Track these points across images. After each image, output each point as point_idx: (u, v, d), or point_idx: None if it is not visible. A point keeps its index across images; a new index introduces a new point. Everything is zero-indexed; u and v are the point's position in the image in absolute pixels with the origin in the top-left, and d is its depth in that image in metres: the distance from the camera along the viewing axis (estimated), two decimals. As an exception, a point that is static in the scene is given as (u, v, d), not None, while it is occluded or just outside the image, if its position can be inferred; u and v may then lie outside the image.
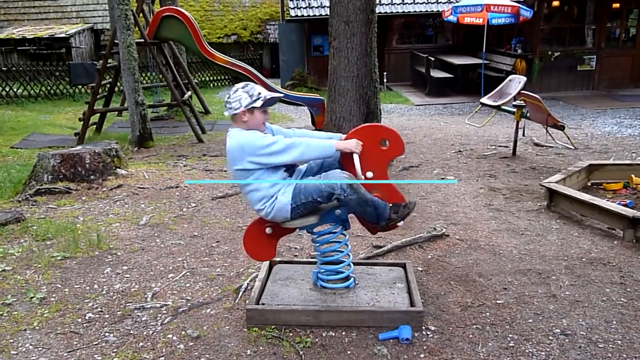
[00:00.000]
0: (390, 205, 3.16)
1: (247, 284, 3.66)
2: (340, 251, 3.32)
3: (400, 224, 3.22)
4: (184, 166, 7.16)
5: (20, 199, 5.49)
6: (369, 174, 3.13)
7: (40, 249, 4.27)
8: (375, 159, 3.16)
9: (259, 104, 3.02)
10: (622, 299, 3.43)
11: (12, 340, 3.06)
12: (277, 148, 2.95)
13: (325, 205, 3.14)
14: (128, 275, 3.87)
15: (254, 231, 3.27)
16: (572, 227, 4.70)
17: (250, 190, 3.05)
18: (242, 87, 3.07)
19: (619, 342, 2.98)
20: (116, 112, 12.37)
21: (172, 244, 4.45)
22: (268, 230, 3.24)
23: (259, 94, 3.03)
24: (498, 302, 3.42)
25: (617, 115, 10.90)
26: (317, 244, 3.32)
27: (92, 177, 5.87)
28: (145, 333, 3.13)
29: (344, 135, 3.19)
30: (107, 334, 3.13)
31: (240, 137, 2.99)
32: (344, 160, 3.17)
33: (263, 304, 3.20)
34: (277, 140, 2.98)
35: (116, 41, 9.15)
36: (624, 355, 2.85)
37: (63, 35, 17.92)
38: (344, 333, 3.07)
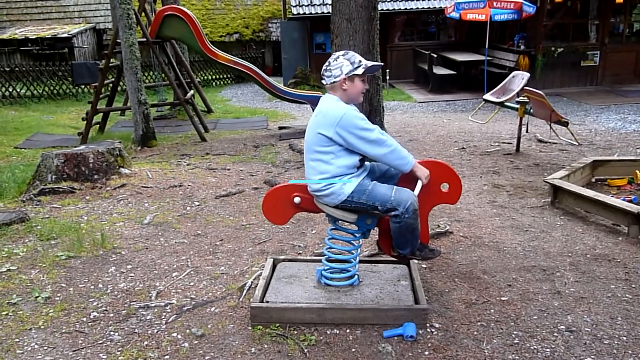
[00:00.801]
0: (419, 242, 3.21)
1: (251, 282, 3.67)
2: (350, 253, 3.33)
3: (415, 261, 3.27)
4: (187, 165, 7.16)
5: (24, 199, 5.50)
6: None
7: (44, 249, 4.28)
8: (429, 196, 3.21)
9: (360, 71, 2.98)
10: (627, 295, 3.42)
11: (17, 340, 3.07)
12: (371, 136, 2.92)
13: (374, 213, 3.11)
14: (132, 274, 3.88)
15: (279, 194, 3.23)
16: (577, 224, 4.69)
17: (318, 159, 3.00)
18: (343, 55, 3.02)
19: (624, 338, 2.97)
20: (119, 112, 12.38)
21: (176, 242, 4.46)
22: (297, 200, 3.19)
23: (360, 61, 3.00)
24: (502, 299, 3.42)
25: (621, 111, 10.86)
26: (330, 237, 3.31)
27: (95, 176, 5.88)
28: (149, 332, 3.14)
29: (417, 159, 3.18)
30: (112, 333, 3.14)
31: (342, 107, 2.95)
32: (405, 181, 3.16)
33: (267, 302, 3.20)
34: (375, 129, 2.95)
35: (118, 41, 9.16)
36: (630, 352, 2.84)
37: (65, 35, 17.94)
38: (348, 331, 3.07)
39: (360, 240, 3.36)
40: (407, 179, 3.16)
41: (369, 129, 2.94)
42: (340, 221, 3.25)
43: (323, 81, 3.09)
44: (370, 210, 3.04)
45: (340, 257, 3.35)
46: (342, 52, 3.08)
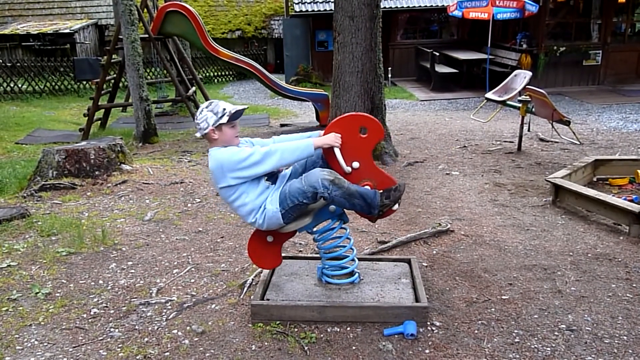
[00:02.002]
0: (381, 191, 3.11)
1: (252, 279, 3.66)
2: (342, 246, 3.31)
3: (396, 207, 3.15)
4: (189, 162, 7.16)
5: (25, 195, 5.51)
6: (355, 165, 3.08)
7: (45, 245, 4.28)
8: (358, 149, 3.09)
9: (225, 119, 3.00)
10: (627, 295, 3.42)
11: (17, 336, 3.08)
12: (255, 159, 2.93)
13: (315, 205, 3.12)
14: (133, 271, 3.88)
15: (256, 242, 3.27)
16: (578, 223, 4.68)
17: (239, 206, 3.04)
18: (207, 107, 3.05)
19: (625, 337, 2.96)
20: (121, 108, 12.39)
21: (176, 239, 4.46)
22: (269, 238, 3.24)
23: (224, 109, 3.02)
24: (503, 297, 3.41)
25: (622, 111, 10.84)
26: (319, 242, 3.31)
27: (96, 172, 5.88)
28: (150, 328, 3.14)
29: (323, 131, 3.15)
30: (112, 329, 3.14)
31: (218, 156, 2.98)
32: (327, 157, 3.12)
33: (268, 300, 3.20)
34: (254, 151, 2.96)
35: (120, 37, 9.15)
36: (630, 351, 2.84)
37: (67, 30, 17.94)
38: (348, 328, 3.07)
39: (347, 229, 3.34)
40: (328, 154, 3.10)
41: (249, 154, 2.94)
42: (315, 225, 3.23)
43: (196, 134, 3.13)
44: (303, 206, 3.02)
45: (336, 254, 3.32)
46: (207, 103, 3.09)
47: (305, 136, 3.21)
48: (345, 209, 3.21)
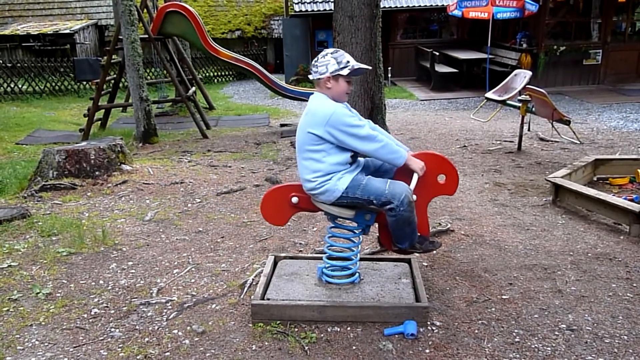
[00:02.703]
0: (419, 234, 3.20)
1: (252, 279, 3.67)
2: (350, 250, 3.33)
3: (416, 255, 3.26)
4: (189, 162, 7.16)
5: (25, 195, 5.51)
6: (413, 197, 3.12)
7: (45, 245, 4.28)
8: (426, 188, 3.21)
9: (345, 72, 2.97)
10: (628, 294, 3.42)
11: (18, 336, 3.08)
12: (361, 132, 2.92)
13: (370, 208, 3.11)
14: (133, 271, 3.88)
15: (276, 195, 3.25)
16: (578, 222, 4.68)
17: (310, 158, 3.00)
18: (331, 53, 3.01)
19: (625, 337, 2.96)
20: (121, 108, 12.39)
21: (177, 239, 4.46)
22: (294, 199, 3.21)
23: (347, 62, 2.99)
24: (503, 297, 3.41)
25: (623, 110, 10.84)
26: (330, 235, 3.31)
27: (97, 173, 5.88)
28: (150, 328, 3.14)
29: (411, 152, 3.17)
30: (112, 329, 3.14)
31: (330, 105, 2.95)
32: (401, 175, 3.16)
33: (268, 299, 3.20)
34: (364, 125, 2.96)
35: (120, 37, 9.15)
36: (630, 351, 2.84)
37: (67, 31, 17.94)
38: (349, 328, 3.07)
39: (361, 237, 3.36)
40: (403, 173, 3.15)
41: (359, 126, 2.94)
42: (339, 218, 3.25)
43: (310, 76, 3.10)
44: (366, 205, 3.05)
45: (341, 254, 3.35)
46: (332, 49, 3.07)
47: (396, 142, 3.17)
48: (381, 225, 3.25)
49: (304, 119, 3.06)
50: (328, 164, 2.99)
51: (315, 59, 3.06)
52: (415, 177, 3.09)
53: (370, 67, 3.13)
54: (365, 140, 2.94)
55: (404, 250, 3.26)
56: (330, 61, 2.98)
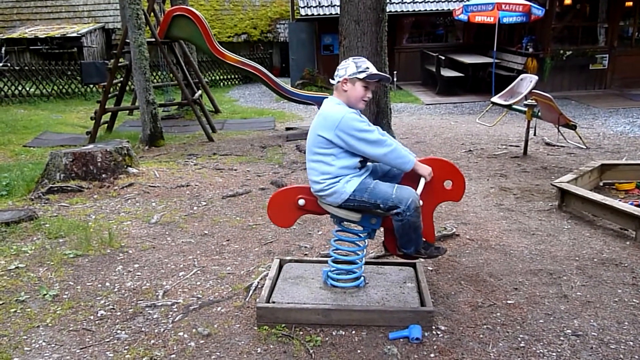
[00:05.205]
0: (424, 241, 3.22)
1: (258, 282, 3.68)
2: (356, 254, 3.34)
3: (422, 261, 3.27)
4: (195, 165, 7.19)
5: (33, 197, 5.54)
6: (420, 202, 3.13)
7: (52, 247, 4.31)
8: (432, 194, 3.22)
9: (362, 75, 3.01)
10: (634, 300, 3.41)
11: (25, 337, 3.10)
12: (370, 137, 2.95)
13: (377, 212, 3.13)
14: (139, 273, 3.90)
15: (283, 197, 3.27)
16: (584, 228, 4.67)
17: (319, 161, 3.04)
18: (353, 58, 3.09)
19: (631, 343, 2.96)
20: (127, 111, 12.44)
21: (182, 242, 4.48)
22: (301, 202, 3.24)
23: (367, 68, 3.04)
24: (509, 302, 3.41)
25: (629, 115, 10.81)
26: (336, 239, 3.32)
27: (103, 175, 5.91)
28: (156, 330, 3.16)
29: (418, 158, 3.19)
30: (118, 331, 3.16)
31: (341, 109, 3.00)
32: (408, 179, 3.17)
33: (273, 303, 3.21)
34: (374, 130, 2.99)
35: (127, 40, 9.20)
36: (636, 357, 2.83)
37: (75, 34, 18.04)
38: (354, 332, 3.08)
39: (366, 241, 3.36)
40: (410, 178, 3.16)
41: (369, 130, 2.97)
42: (345, 222, 3.26)
43: (331, 80, 3.15)
44: (373, 208, 3.06)
45: (347, 258, 3.36)
46: (356, 57, 3.15)
47: (407, 150, 3.20)
48: (387, 229, 3.27)
49: (316, 120, 3.10)
50: (337, 167, 3.02)
51: (339, 65, 3.14)
52: (422, 182, 3.11)
53: (389, 76, 3.15)
54: (374, 144, 2.97)
55: (409, 256, 3.27)
56: (350, 65, 3.04)
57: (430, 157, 3.27)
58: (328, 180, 3.04)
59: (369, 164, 3.25)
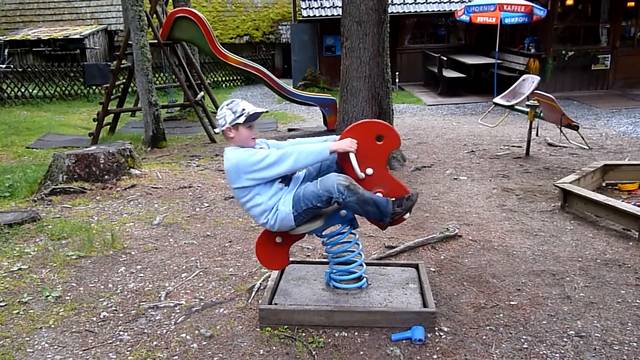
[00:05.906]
0: (393, 199, 3.12)
1: (260, 283, 3.68)
2: (351, 251, 3.33)
3: (407, 216, 3.17)
4: (197, 166, 7.20)
5: (35, 199, 5.55)
6: (369, 171, 3.09)
7: (55, 248, 4.31)
8: (373, 155, 3.11)
9: (241, 120, 3.02)
10: (637, 301, 3.40)
11: (28, 338, 3.10)
12: (271, 160, 2.95)
13: (327, 209, 3.13)
14: (142, 275, 3.90)
15: (264, 242, 3.29)
16: (587, 228, 4.66)
17: (252, 207, 3.07)
18: (227, 105, 3.09)
19: (635, 344, 2.95)
20: (130, 113, 12.47)
21: (185, 243, 4.48)
22: (278, 239, 3.26)
23: (243, 110, 3.04)
24: (512, 303, 3.40)
25: (632, 115, 10.78)
26: (328, 246, 3.32)
27: (106, 177, 5.92)
28: (159, 332, 3.16)
29: (339, 136, 3.15)
30: (121, 333, 3.16)
31: (233, 156, 3.01)
32: (341, 162, 3.13)
33: (276, 304, 3.21)
34: (269, 153, 2.99)
35: (130, 42, 9.23)
36: (640, 358, 2.83)
37: (77, 36, 18.10)
38: (356, 333, 3.08)
39: (356, 235, 3.34)
40: (342, 159, 3.11)
41: (265, 156, 2.96)
42: (325, 228, 3.24)
43: (215, 130, 3.15)
44: (317, 210, 3.04)
45: (344, 258, 3.33)
46: (228, 101, 3.12)
47: (321, 140, 3.22)
48: (356, 215, 3.22)
49: (226, 178, 3.12)
50: (267, 200, 3.04)
51: (217, 113, 3.13)
52: (352, 157, 3.03)
53: (264, 110, 3.16)
54: (279, 162, 2.96)
55: (392, 222, 3.15)
56: (227, 113, 3.05)
57: (347, 128, 3.15)
58: (269, 215, 3.05)
59: (298, 174, 3.23)
